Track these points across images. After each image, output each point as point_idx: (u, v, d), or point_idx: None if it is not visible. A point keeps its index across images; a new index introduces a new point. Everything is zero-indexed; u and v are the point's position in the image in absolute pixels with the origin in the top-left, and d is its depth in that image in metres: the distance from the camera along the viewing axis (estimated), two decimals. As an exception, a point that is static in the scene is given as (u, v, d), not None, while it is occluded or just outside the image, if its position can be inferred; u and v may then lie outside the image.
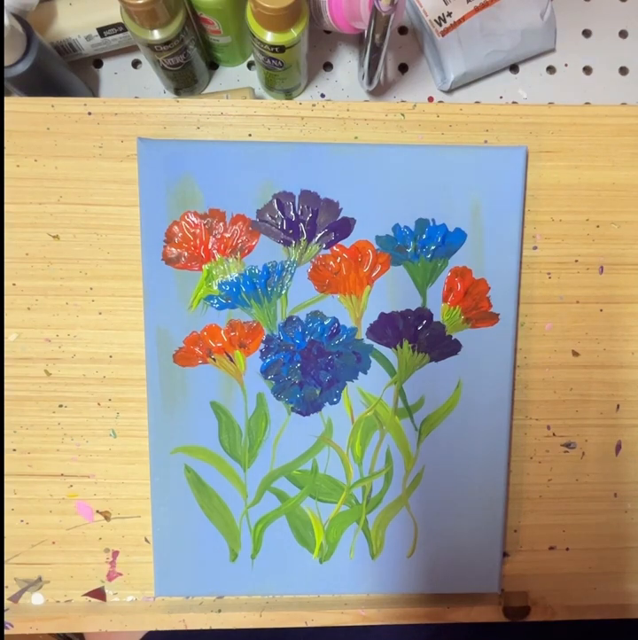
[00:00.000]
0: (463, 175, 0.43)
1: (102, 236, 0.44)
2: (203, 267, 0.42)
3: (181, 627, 0.43)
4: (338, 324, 0.43)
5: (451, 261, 0.43)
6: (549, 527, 0.45)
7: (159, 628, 0.43)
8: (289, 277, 0.43)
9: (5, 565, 0.44)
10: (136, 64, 0.57)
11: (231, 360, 0.43)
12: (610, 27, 0.58)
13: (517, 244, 0.43)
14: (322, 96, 0.58)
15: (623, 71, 0.58)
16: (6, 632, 0.42)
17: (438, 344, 0.43)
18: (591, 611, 0.44)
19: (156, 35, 0.46)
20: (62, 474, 0.44)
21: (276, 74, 0.51)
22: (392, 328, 0.43)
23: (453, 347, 0.43)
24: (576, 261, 0.45)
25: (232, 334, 0.43)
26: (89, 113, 0.44)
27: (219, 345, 0.43)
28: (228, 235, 0.42)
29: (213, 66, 0.57)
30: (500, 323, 0.43)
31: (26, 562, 0.44)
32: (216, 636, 0.44)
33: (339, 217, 0.43)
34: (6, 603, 0.44)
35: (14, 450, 0.44)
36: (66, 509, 0.44)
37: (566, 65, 0.58)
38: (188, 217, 0.42)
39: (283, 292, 0.43)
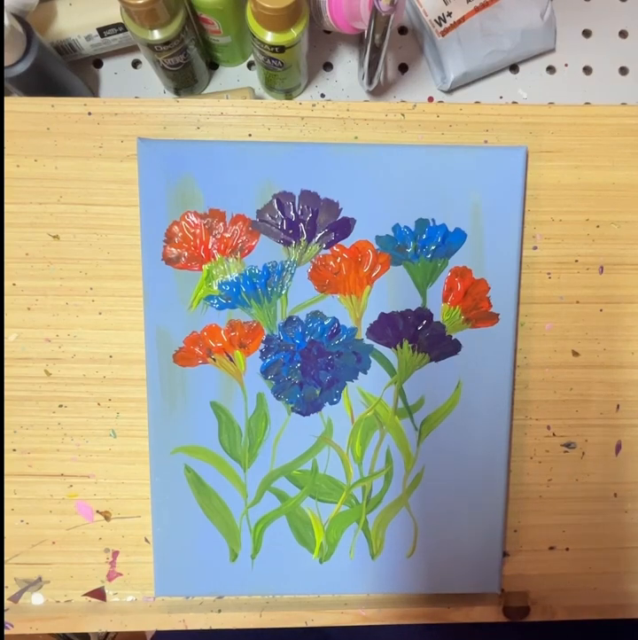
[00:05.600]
0: (463, 175, 0.43)
1: (102, 236, 0.44)
2: (203, 267, 0.42)
3: (181, 627, 0.43)
4: (338, 324, 0.43)
5: (451, 261, 0.43)
6: (549, 527, 0.45)
7: (160, 628, 0.43)
8: (289, 277, 0.43)
9: (5, 565, 0.44)
10: (136, 64, 0.57)
11: (231, 360, 0.43)
12: (610, 27, 0.59)
13: (517, 244, 0.43)
14: (322, 96, 0.58)
15: (623, 71, 0.58)
16: (6, 632, 0.42)
17: (438, 344, 0.43)
18: (591, 611, 0.44)
19: (156, 35, 0.46)
20: (62, 474, 0.44)
21: (276, 74, 0.51)
22: (392, 328, 0.43)
23: (453, 347, 0.43)
24: (576, 261, 0.45)
25: (232, 334, 0.43)
26: (89, 113, 0.44)
27: (219, 345, 0.43)
28: (228, 235, 0.42)
29: (213, 66, 0.57)
30: (500, 324, 0.43)
31: (26, 562, 0.44)
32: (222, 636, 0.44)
33: (339, 217, 0.43)
34: (6, 603, 0.44)
35: (14, 450, 0.44)
36: (66, 509, 0.44)
37: (566, 65, 0.58)
38: (188, 217, 0.42)
39: (284, 292, 0.43)
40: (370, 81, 0.54)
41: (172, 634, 0.44)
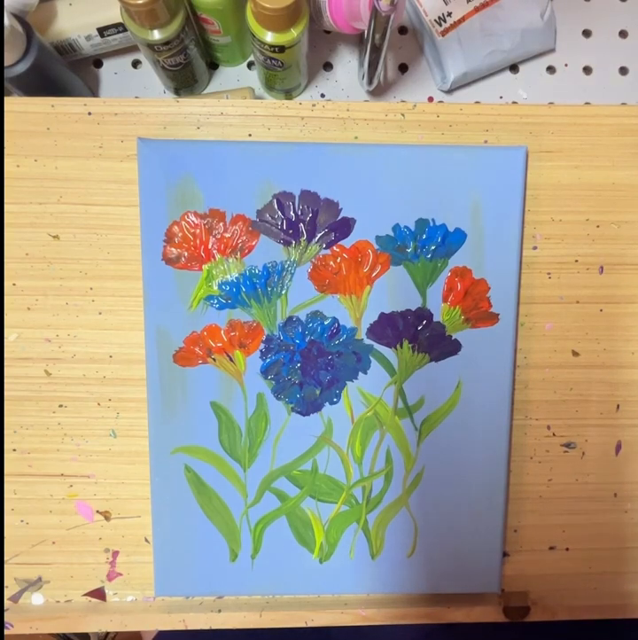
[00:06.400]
0: (463, 175, 0.43)
1: (102, 236, 0.44)
2: (203, 267, 0.42)
3: (181, 627, 0.43)
4: (338, 324, 0.43)
5: (451, 261, 0.43)
6: (549, 527, 0.45)
7: (160, 628, 0.43)
8: (289, 277, 0.43)
9: (5, 565, 0.44)
10: (136, 64, 0.57)
11: (231, 360, 0.43)
12: (610, 27, 0.59)
13: (517, 244, 0.43)
14: (322, 96, 0.58)
15: (623, 71, 0.58)
16: (6, 632, 0.42)
17: (438, 344, 0.43)
18: (591, 611, 0.44)
19: (156, 35, 0.46)
20: (62, 474, 0.44)
21: (276, 74, 0.51)
22: (392, 328, 0.43)
23: (453, 347, 0.43)
24: (576, 261, 0.45)
25: (232, 334, 0.43)
26: (89, 113, 0.44)
27: (219, 345, 0.43)
28: (228, 235, 0.42)
29: (213, 66, 0.57)
30: (500, 324, 0.43)
31: (26, 562, 0.44)
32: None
33: (339, 217, 0.43)
34: (6, 603, 0.44)
35: (14, 450, 0.44)
36: (66, 509, 0.44)
37: (566, 65, 0.58)
38: (188, 217, 0.42)
39: (284, 292, 0.43)
40: (370, 81, 0.54)
41: (173, 634, 0.44)
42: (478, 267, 0.43)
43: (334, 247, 0.43)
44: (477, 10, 0.54)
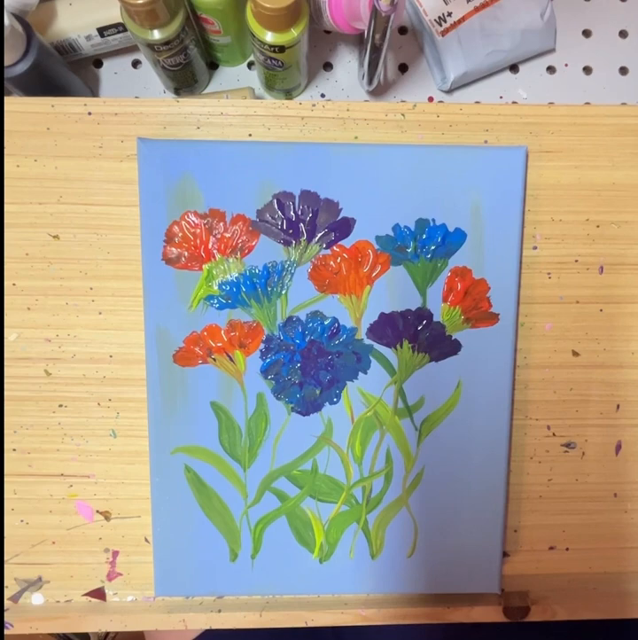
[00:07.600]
0: (463, 175, 0.43)
1: (102, 236, 0.44)
2: (203, 267, 0.42)
3: (181, 627, 0.43)
4: (338, 324, 0.43)
5: (451, 261, 0.43)
6: (549, 527, 0.45)
7: (160, 628, 0.43)
8: (289, 277, 0.43)
9: (5, 565, 0.44)
10: (136, 64, 0.57)
11: (231, 360, 0.43)
12: (610, 27, 0.59)
13: (517, 244, 0.43)
14: (323, 96, 0.58)
15: (623, 71, 0.58)
16: (6, 632, 0.42)
17: (438, 344, 0.43)
18: (591, 611, 0.44)
19: (156, 35, 0.46)
20: (62, 474, 0.44)
21: (276, 74, 0.51)
22: (392, 328, 0.43)
23: (453, 347, 0.43)
24: (576, 261, 0.45)
25: (232, 334, 0.43)
26: (89, 113, 0.44)
27: (219, 345, 0.43)
28: (228, 235, 0.42)
29: (213, 66, 0.57)
30: (500, 324, 0.43)
31: (26, 562, 0.44)
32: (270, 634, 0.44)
33: (339, 217, 0.43)
34: (6, 603, 0.44)
35: (14, 450, 0.44)
36: (66, 509, 0.44)
37: (566, 65, 0.58)
38: (188, 217, 0.42)
39: (284, 292, 0.43)
40: (370, 81, 0.54)
41: (218, 633, 0.44)
42: (478, 267, 0.43)
43: (334, 247, 0.43)
44: (477, 10, 0.54)
